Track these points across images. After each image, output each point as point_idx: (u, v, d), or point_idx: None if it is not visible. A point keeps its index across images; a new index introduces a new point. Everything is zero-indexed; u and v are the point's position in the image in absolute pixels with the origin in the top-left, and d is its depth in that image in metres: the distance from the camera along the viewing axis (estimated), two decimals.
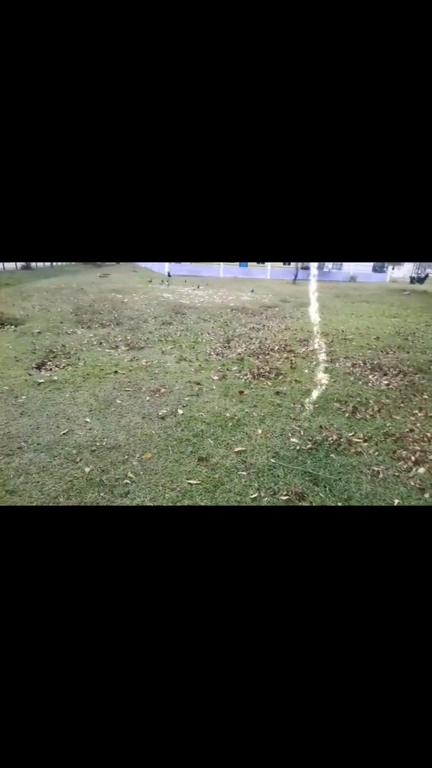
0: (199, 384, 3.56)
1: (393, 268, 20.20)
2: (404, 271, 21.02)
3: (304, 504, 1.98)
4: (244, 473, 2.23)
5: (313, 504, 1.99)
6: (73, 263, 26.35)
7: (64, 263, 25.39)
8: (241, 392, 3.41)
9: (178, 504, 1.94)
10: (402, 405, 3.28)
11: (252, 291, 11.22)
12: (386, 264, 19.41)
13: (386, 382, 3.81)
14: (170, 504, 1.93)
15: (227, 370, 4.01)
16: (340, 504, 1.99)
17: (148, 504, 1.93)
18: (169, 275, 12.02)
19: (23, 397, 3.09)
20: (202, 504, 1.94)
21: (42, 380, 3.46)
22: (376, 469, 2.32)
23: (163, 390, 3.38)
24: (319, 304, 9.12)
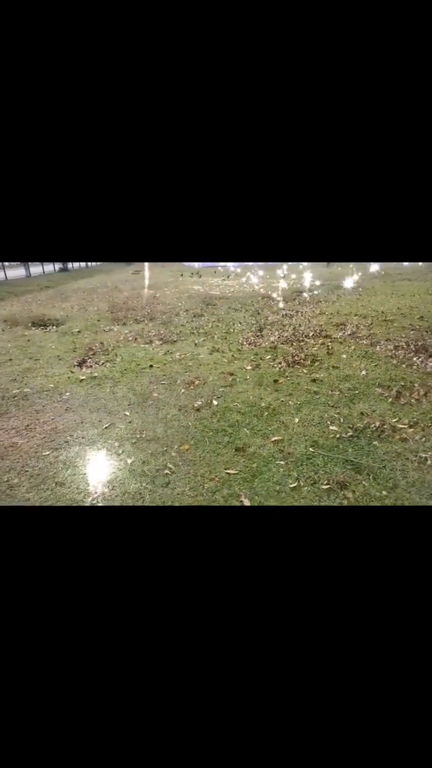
0: (232, 375, 3.55)
1: None
2: None
3: (346, 493, 1.93)
4: (282, 463, 2.20)
5: (356, 493, 1.92)
6: (107, 263, 27.16)
7: (98, 263, 26.26)
8: (275, 381, 3.36)
9: (217, 493, 1.96)
10: None
11: (284, 276, 10.94)
12: None
13: None
14: (209, 493, 1.96)
15: (260, 359, 3.96)
16: (384, 493, 1.92)
17: (188, 493, 1.97)
18: (200, 276, 12.09)
19: (67, 394, 3.26)
20: (240, 493, 1.95)
21: (83, 377, 3.63)
22: (423, 455, 2.20)
23: (197, 382, 3.41)
24: (356, 284, 8.70)
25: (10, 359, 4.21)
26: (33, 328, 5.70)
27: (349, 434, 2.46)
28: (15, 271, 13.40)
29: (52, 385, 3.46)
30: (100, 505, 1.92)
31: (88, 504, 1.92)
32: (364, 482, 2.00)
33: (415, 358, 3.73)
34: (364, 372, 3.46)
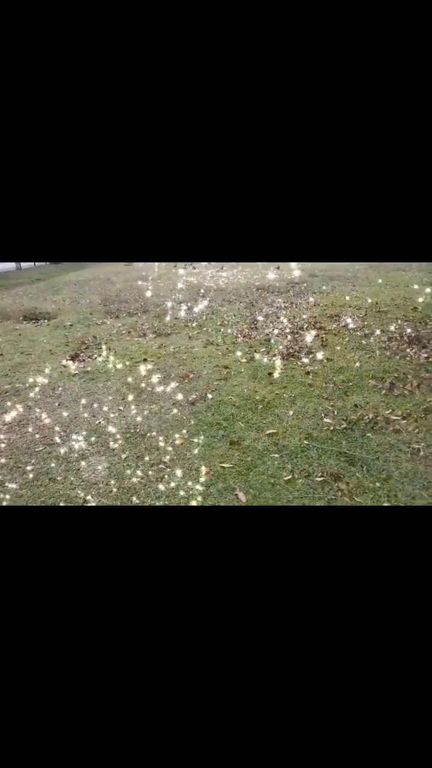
0: (227, 368, 3.54)
1: None
2: None
3: (340, 484, 1.94)
4: (276, 455, 2.21)
5: (350, 485, 1.94)
6: None
7: None
8: (270, 374, 3.35)
9: (212, 487, 1.96)
10: None
11: (278, 267, 10.88)
12: None
13: (425, 354, 3.58)
14: (204, 487, 1.97)
15: (255, 351, 3.95)
16: (378, 484, 1.93)
17: (183, 487, 1.97)
18: (194, 268, 12.06)
19: (60, 389, 3.23)
20: (234, 487, 1.96)
21: (76, 371, 3.59)
22: (416, 446, 2.22)
23: (191, 375, 3.40)
24: (350, 275, 8.67)
25: (1, 354, 4.15)
26: (24, 322, 5.61)
27: (343, 426, 2.47)
28: (5, 264, 13.15)
29: (44, 380, 3.42)
30: (98, 504, 1.91)
31: (83, 502, 1.92)
32: (357, 474, 2.02)
33: (408, 350, 3.74)
34: (357, 364, 3.47)
